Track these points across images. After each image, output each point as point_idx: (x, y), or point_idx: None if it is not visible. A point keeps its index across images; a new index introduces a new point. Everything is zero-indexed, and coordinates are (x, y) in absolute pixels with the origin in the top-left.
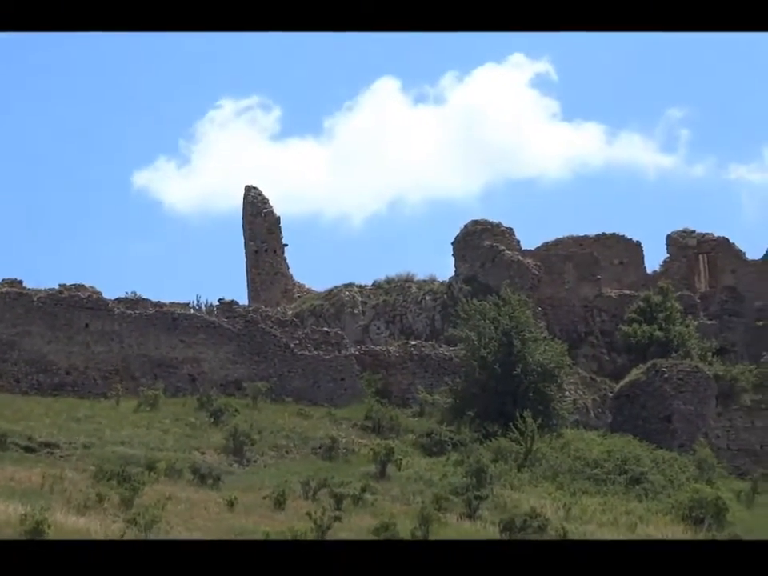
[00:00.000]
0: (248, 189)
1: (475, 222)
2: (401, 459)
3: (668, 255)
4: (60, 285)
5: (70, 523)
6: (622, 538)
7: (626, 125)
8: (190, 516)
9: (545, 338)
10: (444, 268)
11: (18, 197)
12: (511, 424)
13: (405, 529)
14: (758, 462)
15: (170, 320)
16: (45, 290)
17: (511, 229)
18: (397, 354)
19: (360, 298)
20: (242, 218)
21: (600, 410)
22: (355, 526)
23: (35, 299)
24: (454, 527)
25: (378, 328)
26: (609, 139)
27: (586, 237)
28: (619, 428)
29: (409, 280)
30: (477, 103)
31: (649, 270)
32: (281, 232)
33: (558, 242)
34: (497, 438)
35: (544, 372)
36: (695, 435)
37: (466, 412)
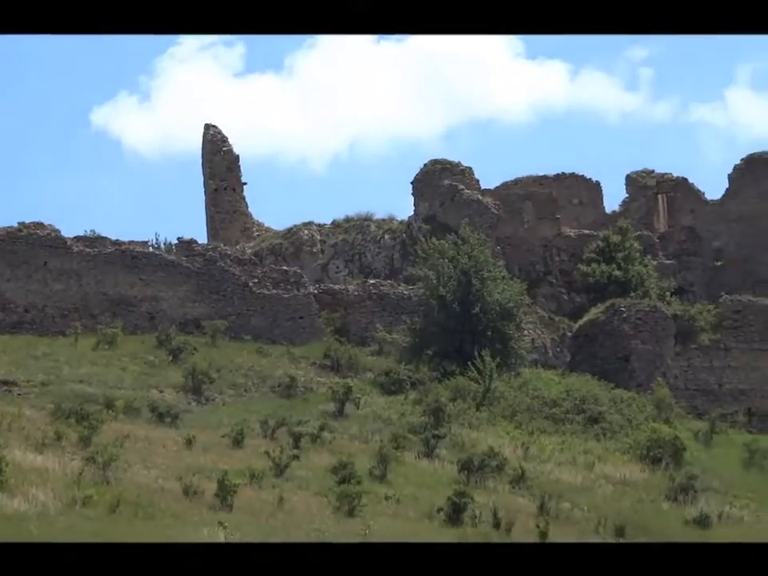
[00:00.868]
0: (207, 127)
1: (434, 162)
2: (359, 398)
3: (627, 195)
4: (19, 223)
5: (28, 461)
6: (579, 477)
7: (588, 62)
8: (148, 454)
9: (504, 277)
10: (403, 208)
11: None
12: (470, 363)
13: (363, 467)
14: (715, 402)
15: (129, 258)
16: (3, 227)
17: (470, 168)
18: (356, 293)
19: (319, 237)
20: (202, 157)
21: (558, 349)
22: (313, 465)
23: None
24: (412, 465)
25: (337, 267)
26: (572, 77)
27: (545, 176)
28: (577, 367)
29: (368, 219)
30: (441, 41)
31: (608, 210)
32: (240, 170)
33: (517, 182)
34: (455, 377)
35: (503, 311)
36: (653, 375)
37: (425, 351)
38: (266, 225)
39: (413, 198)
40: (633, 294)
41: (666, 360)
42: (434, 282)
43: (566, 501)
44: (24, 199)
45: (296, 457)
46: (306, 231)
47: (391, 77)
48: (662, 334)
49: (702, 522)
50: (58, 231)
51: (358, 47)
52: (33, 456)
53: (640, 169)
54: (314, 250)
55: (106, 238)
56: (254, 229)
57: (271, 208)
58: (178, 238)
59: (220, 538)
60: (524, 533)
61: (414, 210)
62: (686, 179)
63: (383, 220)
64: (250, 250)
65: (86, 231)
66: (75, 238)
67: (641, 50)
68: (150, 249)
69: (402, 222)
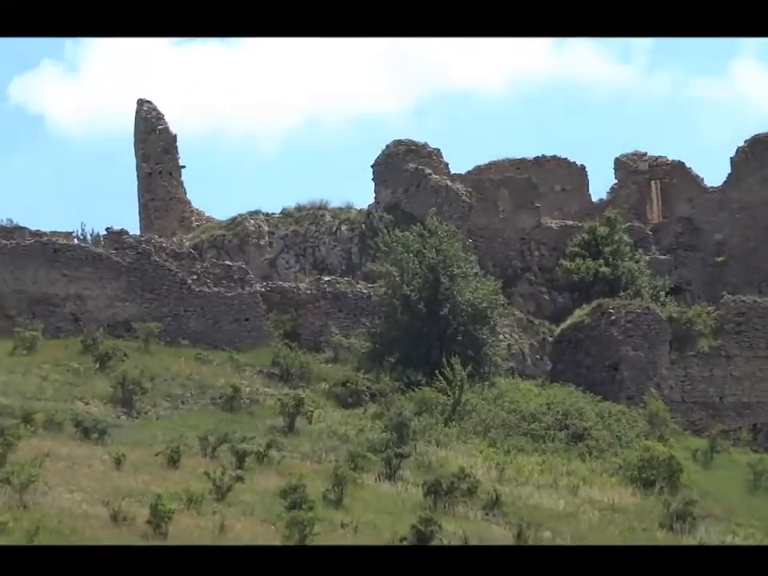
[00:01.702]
0: (141, 102)
1: (398, 143)
2: (312, 411)
3: (616, 181)
4: None
5: None
6: (562, 502)
7: None
8: (71, 475)
9: (476, 274)
10: (363, 195)
11: None
12: (437, 372)
13: (316, 491)
14: (716, 417)
15: (51, 251)
16: None
17: (439, 150)
18: (308, 292)
19: (267, 228)
20: (134, 136)
21: (538, 356)
22: (259, 488)
23: None
24: (372, 489)
25: (287, 262)
26: (556, 47)
27: (523, 159)
28: (560, 377)
29: (322, 208)
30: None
31: (594, 198)
32: (178, 152)
33: (491, 165)
34: (421, 388)
35: (475, 313)
36: (646, 386)
37: (387, 358)
38: (207, 214)
39: (373, 184)
40: (622, 294)
41: (659, 369)
42: (397, 279)
43: (546, 529)
44: None
45: (240, 478)
46: (252, 221)
47: (354, 45)
48: (655, 339)
49: None
50: None
51: None
52: None
53: (631, 151)
54: (261, 243)
55: (24, 228)
56: (193, 218)
57: (213, 195)
58: (107, 229)
59: None
60: None
61: (375, 198)
62: (682, 163)
63: (340, 209)
64: (188, 243)
65: (1, 220)
66: None
67: None
68: (75, 241)
69: (360, 212)
